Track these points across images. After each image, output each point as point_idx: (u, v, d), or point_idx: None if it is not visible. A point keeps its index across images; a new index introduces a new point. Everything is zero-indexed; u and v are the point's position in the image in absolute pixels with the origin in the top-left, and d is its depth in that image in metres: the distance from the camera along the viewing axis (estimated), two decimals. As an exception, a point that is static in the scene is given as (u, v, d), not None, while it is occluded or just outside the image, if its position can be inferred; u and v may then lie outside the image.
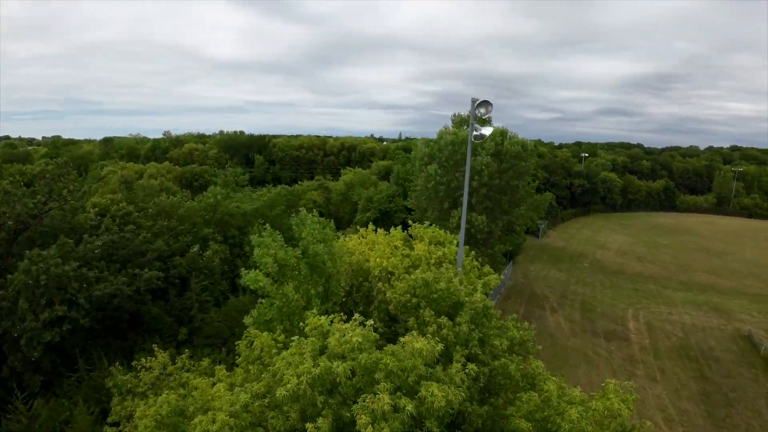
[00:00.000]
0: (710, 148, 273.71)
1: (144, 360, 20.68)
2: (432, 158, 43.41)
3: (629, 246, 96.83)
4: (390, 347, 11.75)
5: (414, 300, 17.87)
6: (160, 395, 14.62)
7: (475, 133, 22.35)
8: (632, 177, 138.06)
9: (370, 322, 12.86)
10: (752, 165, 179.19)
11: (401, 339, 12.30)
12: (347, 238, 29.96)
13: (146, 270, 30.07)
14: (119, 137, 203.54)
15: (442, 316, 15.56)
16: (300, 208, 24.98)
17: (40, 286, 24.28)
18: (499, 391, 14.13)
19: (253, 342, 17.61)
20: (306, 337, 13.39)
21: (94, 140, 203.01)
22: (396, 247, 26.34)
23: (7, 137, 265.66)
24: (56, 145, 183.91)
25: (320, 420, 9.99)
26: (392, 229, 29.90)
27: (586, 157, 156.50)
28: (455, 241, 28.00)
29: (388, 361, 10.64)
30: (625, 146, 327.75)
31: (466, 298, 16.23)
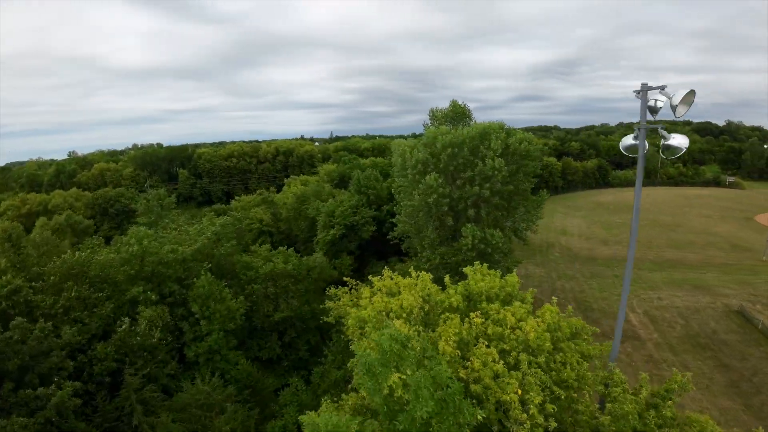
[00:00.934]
0: (621, 124, 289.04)
1: None
2: (426, 165, 33.98)
3: (588, 229, 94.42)
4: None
5: None
6: None
7: (664, 142, 13.59)
8: (569, 159, 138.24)
9: None
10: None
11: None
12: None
13: (52, 388, 18.10)
14: (20, 163, 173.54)
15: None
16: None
17: None
18: None
19: None
20: None
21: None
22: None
23: None
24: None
25: None
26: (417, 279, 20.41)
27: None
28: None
29: None
30: (543, 129, 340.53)
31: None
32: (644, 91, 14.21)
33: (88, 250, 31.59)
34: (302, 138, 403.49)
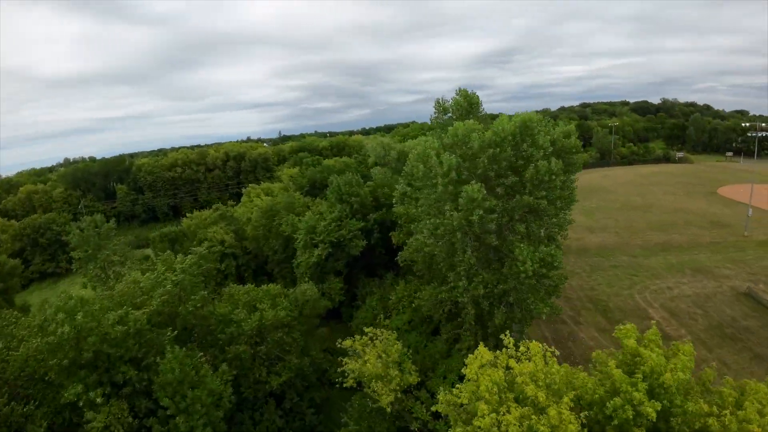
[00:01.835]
0: (562, 108, 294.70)
1: None
2: (460, 171, 25.96)
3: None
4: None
5: None
6: None
7: None
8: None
9: None
10: (614, 119, 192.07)
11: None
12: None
13: None
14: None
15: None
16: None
17: None
18: None
19: None
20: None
21: None
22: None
23: None
24: None
25: None
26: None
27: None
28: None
29: None
30: (492, 117, 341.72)
31: None
32: None
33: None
34: (249, 139, 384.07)
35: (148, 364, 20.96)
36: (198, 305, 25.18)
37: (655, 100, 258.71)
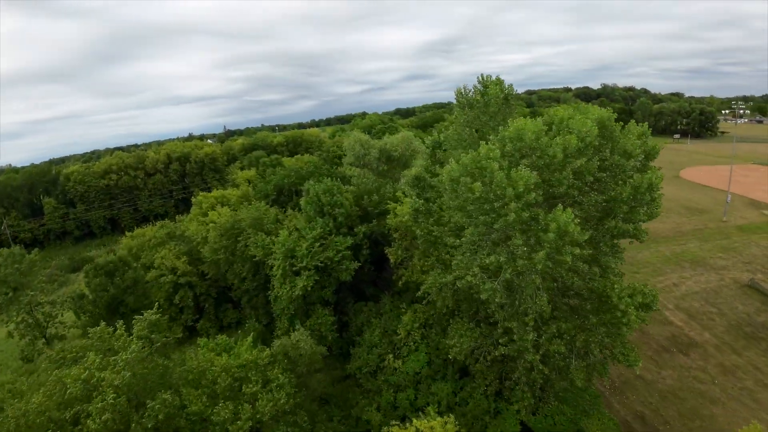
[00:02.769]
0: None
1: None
2: (532, 188, 18.06)
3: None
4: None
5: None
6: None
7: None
8: (440, 129, 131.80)
9: None
10: (561, 106, 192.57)
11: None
12: None
13: None
14: None
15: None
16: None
17: None
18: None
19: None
20: None
21: None
22: None
23: None
24: None
25: None
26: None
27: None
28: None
29: None
30: (438, 106, 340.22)
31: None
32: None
33: None
34: (191, 137, 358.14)
35: None
36: (158, 414, 15.97)
37: (595, 85, 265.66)
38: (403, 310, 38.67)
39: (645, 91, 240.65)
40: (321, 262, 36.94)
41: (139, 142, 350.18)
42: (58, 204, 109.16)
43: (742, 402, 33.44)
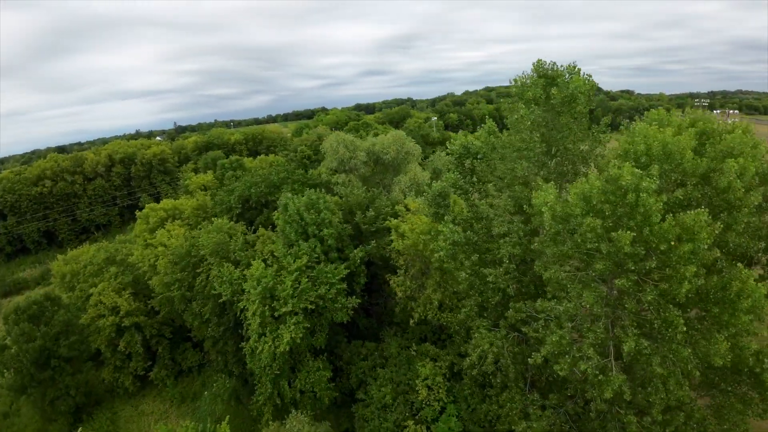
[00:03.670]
0: (467, 92, 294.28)
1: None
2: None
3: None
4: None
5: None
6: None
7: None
8: (466, 132, 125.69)
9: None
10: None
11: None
12: None
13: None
14: None
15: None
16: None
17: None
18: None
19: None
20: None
21: None
22: None
23: None
24: None
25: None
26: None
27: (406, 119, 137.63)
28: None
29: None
30: (398, 102, 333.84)
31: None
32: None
33: None
34: (139, 134, 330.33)
35: None
36: None
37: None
38: (415, 353, 30.49)
39: (599, 89, 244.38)
40: (311, 304, 27.92)
41: (83, 140, 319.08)
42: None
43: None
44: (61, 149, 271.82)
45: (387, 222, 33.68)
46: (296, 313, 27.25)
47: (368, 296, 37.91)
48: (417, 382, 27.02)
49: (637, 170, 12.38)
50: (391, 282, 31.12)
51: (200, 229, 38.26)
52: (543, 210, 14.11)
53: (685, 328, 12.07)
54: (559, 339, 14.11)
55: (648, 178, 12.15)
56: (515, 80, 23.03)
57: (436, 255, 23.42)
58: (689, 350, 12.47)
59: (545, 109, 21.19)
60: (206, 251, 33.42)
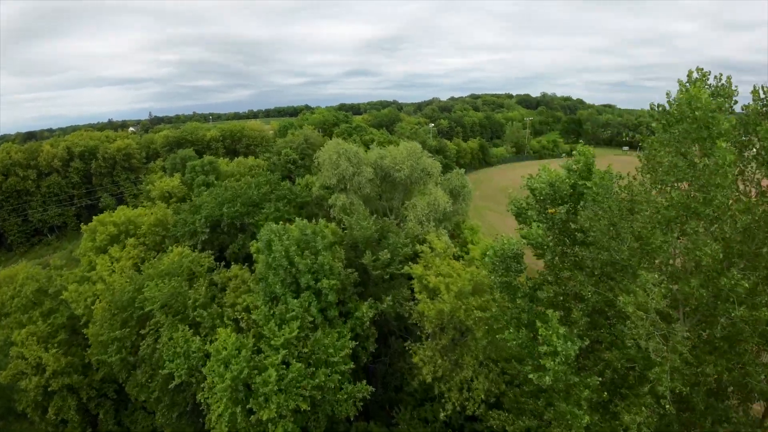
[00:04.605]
0: (452, 98, 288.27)
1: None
2: None
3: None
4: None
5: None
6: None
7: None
8: (459, 141, 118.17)
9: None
10: (507, 110, 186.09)
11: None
12: None
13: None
14: None
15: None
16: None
17: None
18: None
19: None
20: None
21: None
22: None
23: None
24: None
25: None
26: None
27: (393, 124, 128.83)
28: None
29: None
30: (384, 104, 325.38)
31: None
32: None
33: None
34: (111, 122, 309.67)
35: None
36: None
37: (533, 92, 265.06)
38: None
39: (581, 102, 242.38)
40: (306, 398, 18.68)
41: (55, 126, 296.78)
42: None
43: None
44: (30, 135, 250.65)
45: (406, 268, 24.79)
46: (283, 416, 17.97)
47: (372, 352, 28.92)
48: None
49: None
50: (415, 356, 22.22)
51: (154, 261, 28.31)
52: None
53: None
54: None
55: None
56: (694, 70, 14.14)
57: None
58: None
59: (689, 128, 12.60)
60: (153, 305, 23.60)
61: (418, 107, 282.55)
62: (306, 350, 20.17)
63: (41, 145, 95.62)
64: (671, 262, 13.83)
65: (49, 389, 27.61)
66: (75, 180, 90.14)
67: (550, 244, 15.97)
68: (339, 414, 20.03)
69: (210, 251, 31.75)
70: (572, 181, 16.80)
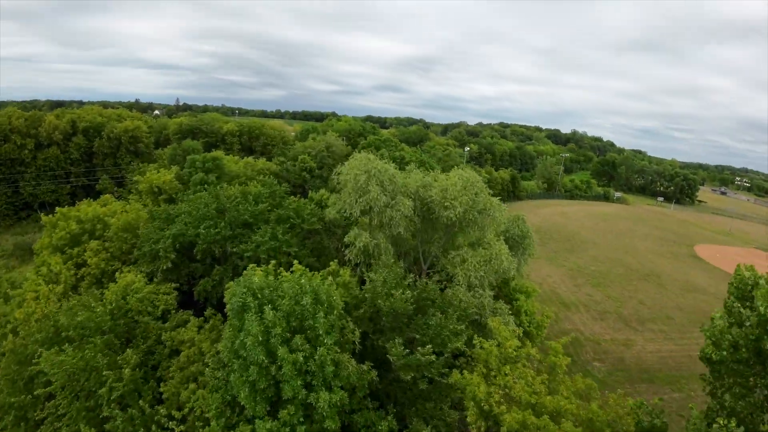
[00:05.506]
0: (480, 124, 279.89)
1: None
2: None
3: (562, 277, 63.24)
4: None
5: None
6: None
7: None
8: (491, 169, 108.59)
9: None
10: (536, 144, 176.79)
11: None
12: None
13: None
14: None
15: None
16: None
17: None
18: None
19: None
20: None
21: None
22: None
23: None
24: None
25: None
26: None
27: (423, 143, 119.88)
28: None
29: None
30: (410, 121, 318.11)
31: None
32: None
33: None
34: (138, 102, 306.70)
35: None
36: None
37: (563, 129, 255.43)
38: None
39: (611, 144, 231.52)
40: None
41: (85, 99, 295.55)
42: None
43: None
44: (58, 104, 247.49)
45: (455, 375, 15.13)
46: None
47: None
48: None
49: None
50: None
51: (85, 297, 19.00)
52: None
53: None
54: None
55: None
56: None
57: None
58: None
59: None
60: (54, 383, 14.14)
61: (445, 129, 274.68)
62: None
63: (45, 115, 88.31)
64: None
65: None
66: (75, 156, 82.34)
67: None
68: None
69: (173, 284, 22.44)
70: None
